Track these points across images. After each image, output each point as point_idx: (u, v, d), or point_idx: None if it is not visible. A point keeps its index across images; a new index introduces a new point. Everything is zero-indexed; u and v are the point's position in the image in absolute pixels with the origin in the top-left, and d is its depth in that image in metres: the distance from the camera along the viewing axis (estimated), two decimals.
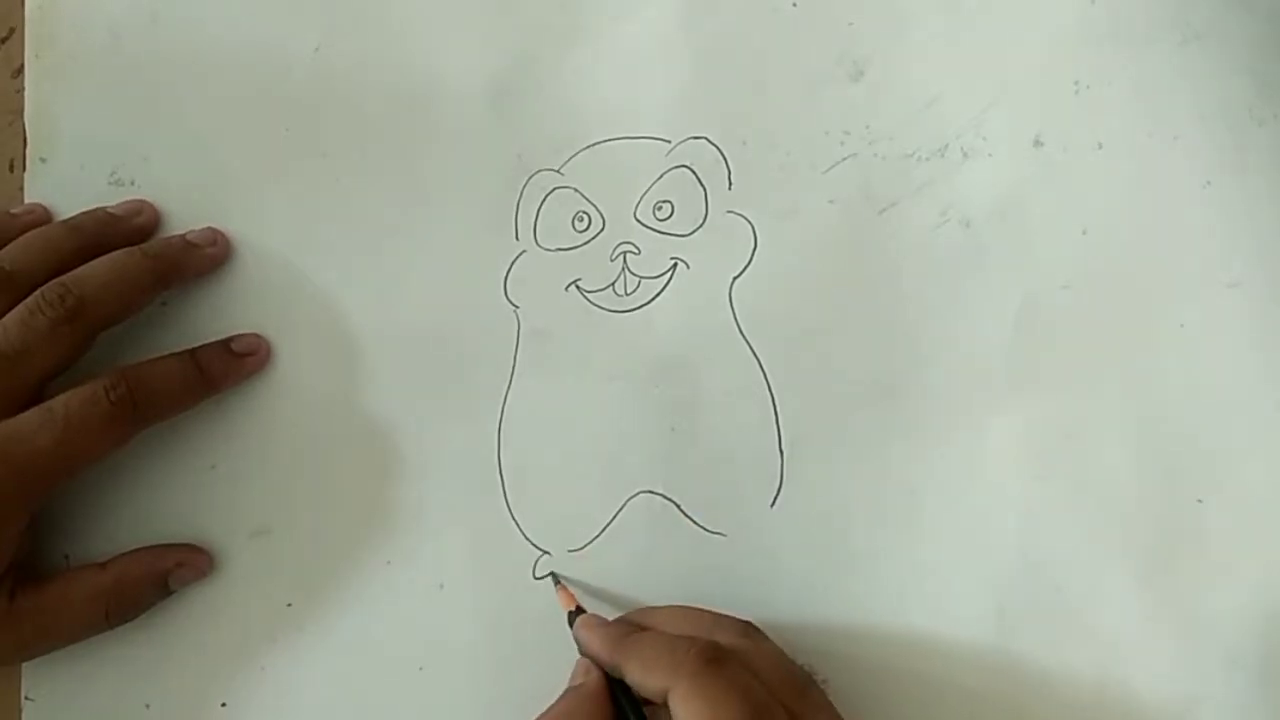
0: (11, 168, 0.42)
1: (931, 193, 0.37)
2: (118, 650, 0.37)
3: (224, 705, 0.37)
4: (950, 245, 0.37)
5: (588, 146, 0.39)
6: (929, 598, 0.35)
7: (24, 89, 0.42)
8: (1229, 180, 0.36)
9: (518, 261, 0.39)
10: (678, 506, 0.37)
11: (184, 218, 0.41)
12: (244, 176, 0.41)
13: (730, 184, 0.38)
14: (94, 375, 0.36)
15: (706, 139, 0.39)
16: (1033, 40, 0.38)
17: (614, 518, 0.37)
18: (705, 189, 0.38)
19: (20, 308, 0.36)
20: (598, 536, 0.37)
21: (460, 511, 0.38)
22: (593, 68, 0.40)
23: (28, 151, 0.42)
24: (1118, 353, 0.35)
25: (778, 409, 0.37)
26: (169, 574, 0.37)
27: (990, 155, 0.37)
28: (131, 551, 0.37)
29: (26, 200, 0.41)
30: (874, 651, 0.35)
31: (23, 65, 0.42)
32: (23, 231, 0.39)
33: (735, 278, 0.38)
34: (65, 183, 0.41)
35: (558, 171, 0.39)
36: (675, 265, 0.38)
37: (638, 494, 0.37)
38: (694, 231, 0.38)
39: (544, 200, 0.39)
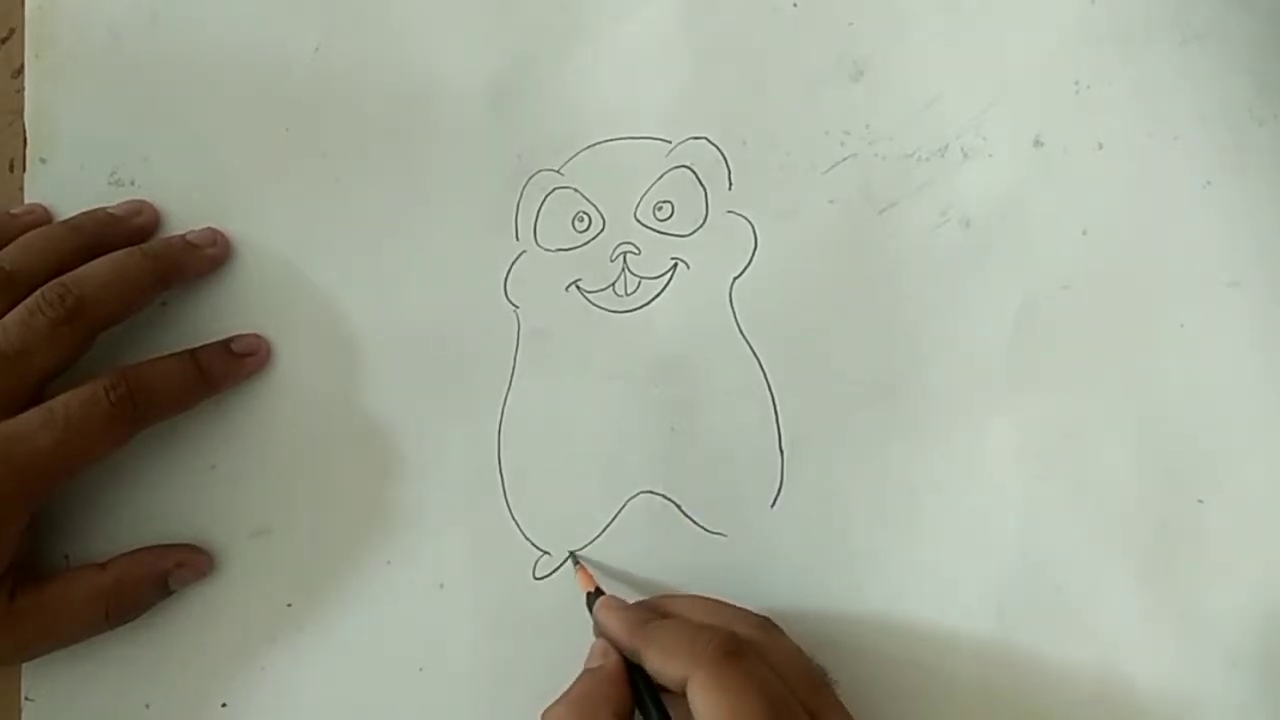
0: (11, 168, 0.42)
1: (931, 193, 0.37)
2: (118, 650, 0.37)
3: (224, 705, 0.37)
4: (950, 245, 0.37)
5: (588, 146, 0.39)
6: (929, 597, 0.35)
7: (24, 89, 0.42)
8: (1229, 180, 0.36)
9: (518, 261, 0.39)
10: (678, 506, 0.37)
11: (184, 218, 0.41)
12: (244, 176, 0.41)
13: (730, 184, 0.38)
14: (94, 375, 0.36)
15: (706, 139, 0.39)
16: (1033, 40, 0.38)
17: (614, 518, 0.37)
18: (705, 189, 0.38)
19: (20, 308, 0.36)
20: (598, 536, 0.37)
21: (460, 511, 0.38)
22: (593, 68, 0.40)
23: (28, 151, 0.42)
24: (1117, 353, 0.35)
25: (778, 409, 0.37)
26: (169, 574, 0.37)
27: (990, 155, 0.37)
28: (131, 551, 0.37)
29: (26, 200, 0.41)
30: (875, 651, 0.35)
31: (23, 65, 0.42)
32: (23, 232, 0.39)
33: (735, 278, 0.38)
34: (65, 183, 0.41)
35: (558, 172, 0.39)
36: (675, 265, 0.38)
37: (638, 494, 0.37)
38: (694, 232, 0.38)
39: (544, 200, 0.39)
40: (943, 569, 0.35)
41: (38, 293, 0.36)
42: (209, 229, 0.40)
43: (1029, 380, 0.36)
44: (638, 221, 0.39)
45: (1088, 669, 0.34)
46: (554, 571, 0.37)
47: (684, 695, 0.29)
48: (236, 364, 0.39)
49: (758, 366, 0.37)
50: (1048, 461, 0.35)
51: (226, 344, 0.39)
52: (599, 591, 0.34)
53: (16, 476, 0.34)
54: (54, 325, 0.35)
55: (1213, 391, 0.35)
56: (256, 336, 0.39)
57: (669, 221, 0.38)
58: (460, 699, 0.36)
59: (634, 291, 0.38)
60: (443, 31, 0.41)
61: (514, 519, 0.37)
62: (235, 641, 0.38)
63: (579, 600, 0.35)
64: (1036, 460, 0.35)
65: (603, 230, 0.39)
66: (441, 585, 0.37)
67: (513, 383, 0.38)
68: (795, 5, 0.39)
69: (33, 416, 0.34)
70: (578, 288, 0.38)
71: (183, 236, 0.40)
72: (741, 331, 0.37)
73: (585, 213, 0.39)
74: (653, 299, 0.38)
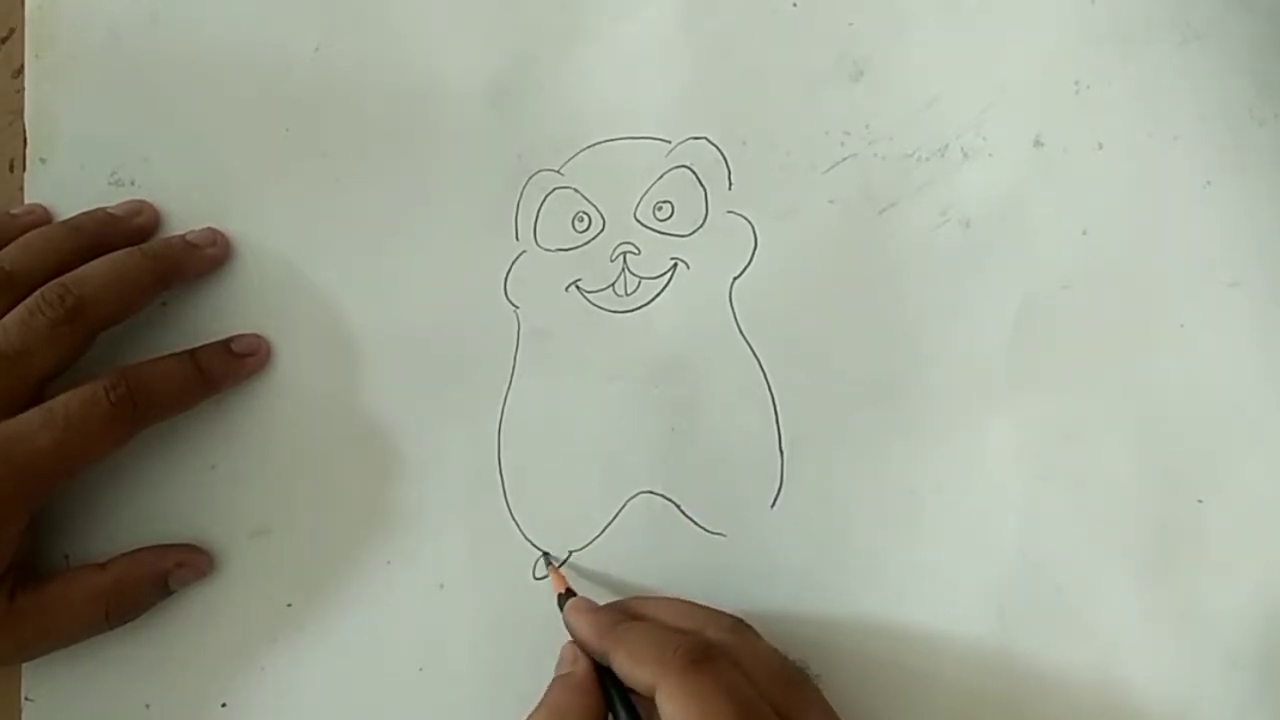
0: (11, 168, 0.42)
1: (931, 193, 0.37)
2: (118, 650, 0.37)
3: (224, 705, 0.37)
4: (950, 245, 0.37)
5: (588, 146, 0.39)
6: (929, 597, 0.35)
7: (24, 89, 0.42)
8: (1229, 180, 0.36)
9: (518, 261, 0.39)
10: (678, 507, 0.37)
11: (184, 218, 0.41)
12: (244, 176, 0.41)
13: (730, 184, 0.38)
14: (94, 375, 0.36)
15: (706, 139, 0.39)
16: (1032, 40, 0.38)
17: (614, 518, 0.37)
18: (705, 189, 0.38)
19: (20, 308, 0.36)
20: (598, 537, 0.37)
21: (460, 511, 0.38)
22: (593, 68, 0.40)
23: (28, 151, 0.42)
24: (1117, 353, 0.35)
25: (778, 409, 0.37)
26: (169, 574, 0.37)
27: (990, 155, 0.37)
28: (131, 551, 0.37)
29: (26, 200, 0.41)
30: (875, 651, 0.35)
31: (23, 65, 0.42)
32: (23, 232, 0.39)
33: (735, 278, 0.38)
34: (65, 183, 0.41)
35: (558, 172, 0.39)
36: (675, 265, 0.38)
37: (638, 494, 0.37)
38: (694, 232, 0.38)
39: (544, 200, 0.39)
40: (943, 569, 0.35)
41: (38, 293, 0.36)
42: (209, 229, 0.40)
43: (1029, 380, 0.36)
44: (638, 221, 0.39)
45: (1088, 669, 0.34)
46: (547, 552, 0.37)
47: (654, 700, 0.29)
48: (236, 364, 0.39)
49: (758, 367, 0.37)
50: (1048, 461, 0.35)
51: (226, 344, 0.39)
52: (570, 593, 0.34)
53: (16, 476, 0.34)
54: (54, 325, 0.35)
55: (1213, 391, 0.35)
56: (256, 336, 0.39)
57: (669, 221, 0.38)
58: (460, 699, 0.36)
59: (634, 291, 0.38)
60: (443, 31, 0.41)
61: (514, 519, 0.37)
62: (235, 641, 0.38)
63: None
64: (1036, 460, 0.35)
65: (603, 230, 0.39)
66: (441, 585, 0.37)
67: (513, 383, 0.38)
68: (795, 5, 0.39)
69: (33, 417, 0.34)
70: (578, 288, 0.38)
71: (183, 236, 0.40)
72: (741, 332, 0.37)
73: (585, 213, 0.39)
74: (653, 299, 0.38)
